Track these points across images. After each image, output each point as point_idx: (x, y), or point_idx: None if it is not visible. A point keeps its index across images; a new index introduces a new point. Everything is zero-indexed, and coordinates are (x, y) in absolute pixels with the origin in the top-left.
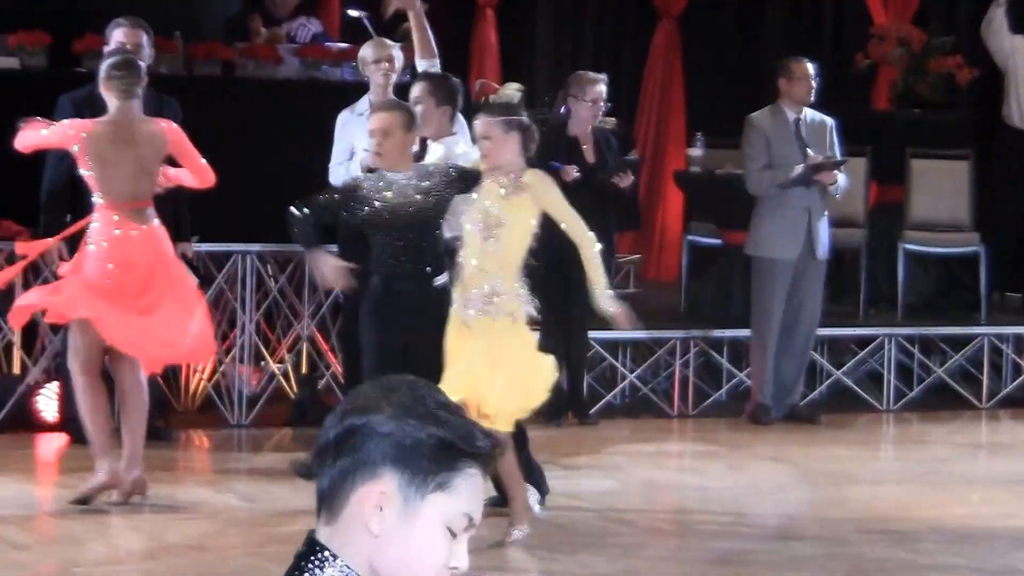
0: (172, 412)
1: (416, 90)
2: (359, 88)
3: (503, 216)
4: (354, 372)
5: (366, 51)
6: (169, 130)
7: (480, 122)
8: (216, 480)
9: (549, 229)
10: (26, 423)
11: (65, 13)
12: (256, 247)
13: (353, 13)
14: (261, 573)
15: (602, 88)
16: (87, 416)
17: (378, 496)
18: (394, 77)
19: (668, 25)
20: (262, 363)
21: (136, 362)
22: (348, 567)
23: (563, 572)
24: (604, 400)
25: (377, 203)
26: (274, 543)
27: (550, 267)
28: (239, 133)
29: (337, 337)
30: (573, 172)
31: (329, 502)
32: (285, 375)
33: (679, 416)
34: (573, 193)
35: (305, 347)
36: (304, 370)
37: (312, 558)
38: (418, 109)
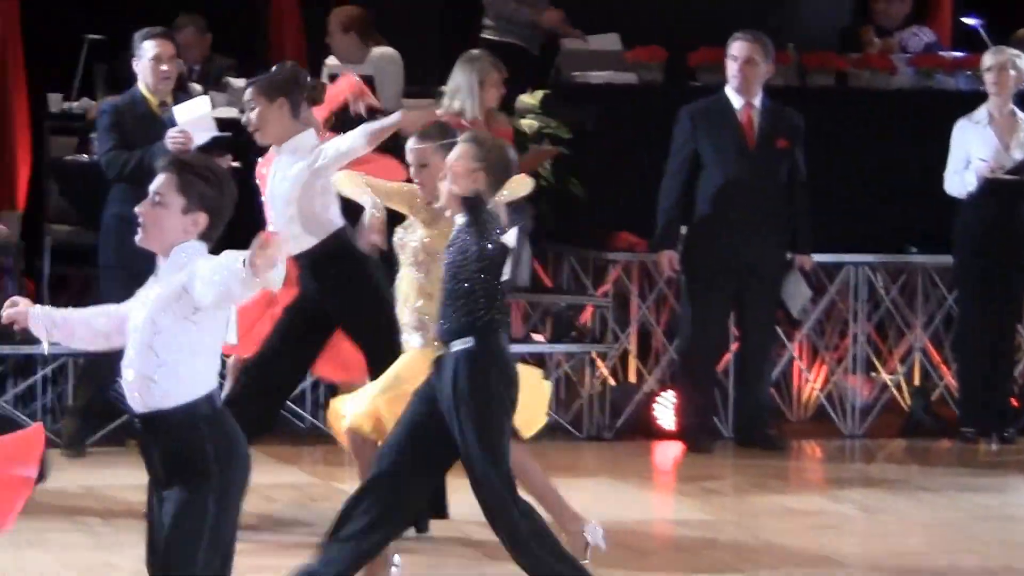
0: (784, 422)
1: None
2: (975, 97)
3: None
4: (970, 384)
5: (985, 59)
6: None
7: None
8: (831, 489)
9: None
10: (644, 430)
11: (681, 28)
12: (869, 257)
13: (968, 21)
14: None
15: None
16: None
17: None
18: (1012, 87)
19: None
20: (873, 374)
21: None
22: None
23: None
24: None
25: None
26: (894, 556)
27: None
28: (853, 143)
29: (952, 348)
30: None
31: None
32: (897, 386)
33: None
34: None
35: (917, 358)
36: (917, 381)
37: None
38: (254, 115)
